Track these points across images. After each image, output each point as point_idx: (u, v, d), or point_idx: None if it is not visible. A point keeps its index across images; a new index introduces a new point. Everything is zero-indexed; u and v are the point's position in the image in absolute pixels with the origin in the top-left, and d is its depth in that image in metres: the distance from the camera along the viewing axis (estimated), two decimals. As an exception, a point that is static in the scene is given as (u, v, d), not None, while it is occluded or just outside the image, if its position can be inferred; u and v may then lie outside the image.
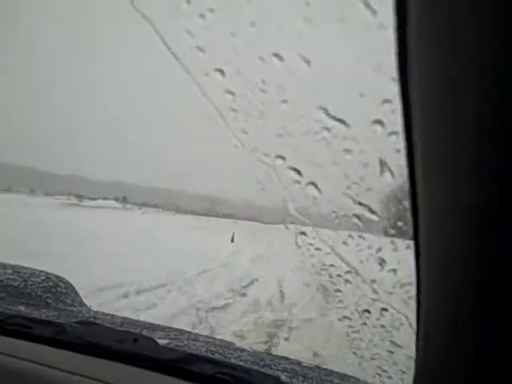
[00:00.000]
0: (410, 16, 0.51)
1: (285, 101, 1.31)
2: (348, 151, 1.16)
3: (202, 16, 1.40)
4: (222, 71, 1.30)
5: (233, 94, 1.30)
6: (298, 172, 1.23)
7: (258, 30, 1.37)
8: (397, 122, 0.61)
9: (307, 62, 1.24)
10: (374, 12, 0.82)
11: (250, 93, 1.33)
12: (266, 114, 1.33)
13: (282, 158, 1.25)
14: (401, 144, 0.60)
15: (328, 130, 1.19)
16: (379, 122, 0.96)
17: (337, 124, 1.14)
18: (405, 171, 0.62)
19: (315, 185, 1.24)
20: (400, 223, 1.32)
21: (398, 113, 0.60)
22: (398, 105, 0.59)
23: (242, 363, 1.09)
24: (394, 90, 0.58)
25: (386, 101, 0.89)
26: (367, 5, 0.82)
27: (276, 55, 1.27)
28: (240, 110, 1.26)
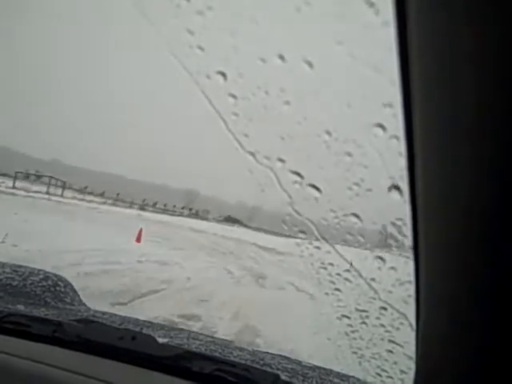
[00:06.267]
0: (409, 16, 0.50)
1: (287, 102, 1.31)
2: (349, 154, 1.17)
3: (201, 14, 1.40)
4: (223, 73, 1.30)
5: (234, 96, 1.30)
6: (299, 174, 1.23)
7: (258, 29, 1.37)
8: (398, 124, 0.61)
9: (309, 63, 1.24)
10: (376, 11, 0.82)
11: (251, 94, 1.33)
12: (268, 116, 1.33)
13: (283, 160, 1.25)
14: (401, 146, 0.60)
15: (329, 133, 1.19)
16: (380, 125, 0.96)
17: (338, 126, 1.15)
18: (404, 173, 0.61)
19: (315, 186, 1.24)
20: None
21: (399, 115, 0.60)
22: (399, 107, 0.58)
23: (242, 362, 1.09)
24: (394, 91, 0.58)
25: (388, 103, 0.89)
26: (370, 4, 0.82)
27: (277, 55, 1.27)
28: (241, 112, 1.26)
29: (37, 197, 34.06)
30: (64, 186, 52.06)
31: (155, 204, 70.63)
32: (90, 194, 61.11)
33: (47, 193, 43.70)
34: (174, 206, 75.68)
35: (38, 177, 56.94)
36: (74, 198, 45.14)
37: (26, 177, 55.84)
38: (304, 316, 8.00)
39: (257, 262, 18.18)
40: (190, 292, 8.72)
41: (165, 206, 74.01)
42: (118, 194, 66.38)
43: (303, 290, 11.67)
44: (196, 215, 71.98)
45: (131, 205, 59.04)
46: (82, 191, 60.32)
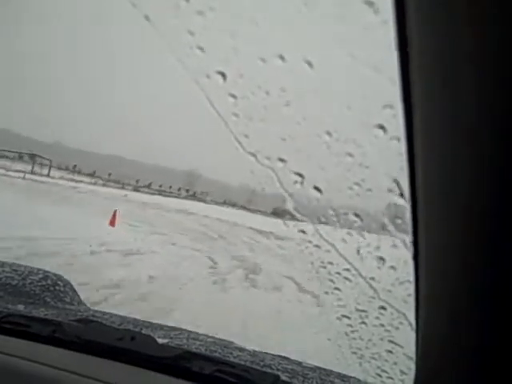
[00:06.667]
0: (409, 16, 0.50)
1: (287, 103, 1.32)
2: (349, 154, 1.17)
3: (201, 15, 1.40)
4: (223, 73, 1.30)
5: (234, 96, 1.30)
6: (300, 174, 1.24)
7: (258, 30, 1.38)
8: (398, 124, 0.61)
9: (309, 63, 1.25)
10: (376, 11, 0.82)
11: (251, 95, 1.33)
12: (268, 116, 1.34)
13: (284, 160, 1.26)
14: (401, 147, 0.60)
15: (329, 133, 1.20)
16: (380, 125, 0.96)
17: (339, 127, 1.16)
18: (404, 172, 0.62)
19: (316, 186, 1.25)
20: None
21: (399, 115, 0.60)
22: (399, 107, 0.59)
23: (242, 363, 1.09)
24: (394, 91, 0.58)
25: (388, 104, 0.89)
26: (370, 4, 0.82)
27: (278, 56, 1.28)
28: (241, 112, 1.27)
29: (16, 176, 30.95)
30: (50, 165, 48.36)
31: (150, 185, 66.56)
32: (80, 173, 57.66)
33: (31, 172, 39.94)
34: (170, 188, 71.49)
35: (31, 156, 51.26)
36: (61, 177, 42.33)
37: (20, 157, 52.13)
38: (308, 343, 4.61)
39: (251, 249, 16.04)
40: (142, 305, 5.44)
41: (160, 186, 69.32)
42: (109, 175, 62.65)
43: (306, 289, 8.90)
44: (193, 197, 67.78)
45: (124, 185, 55.62)
46: (71, 171, 56.48)
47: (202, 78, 1.30)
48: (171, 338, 1.25)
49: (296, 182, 1.22)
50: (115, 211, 13.94)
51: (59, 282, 1.63)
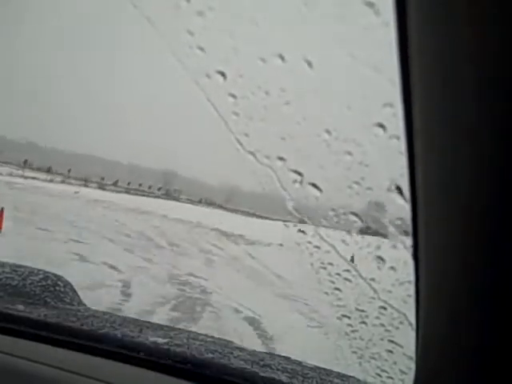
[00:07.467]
0: (409, 16, 0.50)
1: (287, 102, 1.32)
2: (349, 153, 1.18)
3: (201, 15, 1.40)
4: (222, 73, 1.31)
5: (234, 96, 1.31)
6: (299, 173, 1.24)
7: (258, 30, 1.39)
8: (398, 124, 0.61)
9: (309, 63, 1.25)
10: (376, 12, 0.82)
11: (251, 94, 1.34)
12: (268, 116, 1.35)
13: (283, 159, 1.26)
14: (401, 146, 0.60)
15: (329, 132, 1.20)
16: (380, 124, 0.96)
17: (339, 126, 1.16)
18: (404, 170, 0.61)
19: (315, 185, 1.25)
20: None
21: (399, 115, 0.60)
22: (399, 107, 0.59)
23: (241, 362, 1.09)
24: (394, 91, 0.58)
25: (388, 103, 0.89)
26: (371, 5, 0.82)
27: (278, 56, 1.29)
28: (241, 112, 1.27)
29: None
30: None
31: (116, 182, 59.92)
32: (33, 169, 51.90)
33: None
34: (140, 185, 64.40)
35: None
36: (10, 174, 38.16)
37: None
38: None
39: (208, 261, 12.01)
40: None
41: (128, 184, 61.87)
42: (69, 171, 57.04)
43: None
44: (166, 195, 60.80)
45: (86, 183, 50.80)
46: (21, 167, 50.35)
47: (201, 78, 1.31)
48: (171, 337, 1.25)
49: (295, 180, 1.22)
50: (1, 210, 10.15)
51: (59, 283, 1.63)
